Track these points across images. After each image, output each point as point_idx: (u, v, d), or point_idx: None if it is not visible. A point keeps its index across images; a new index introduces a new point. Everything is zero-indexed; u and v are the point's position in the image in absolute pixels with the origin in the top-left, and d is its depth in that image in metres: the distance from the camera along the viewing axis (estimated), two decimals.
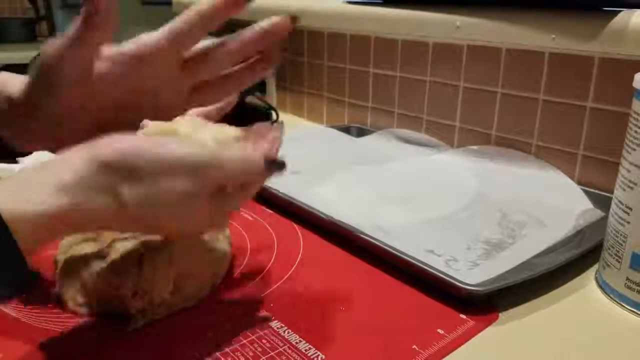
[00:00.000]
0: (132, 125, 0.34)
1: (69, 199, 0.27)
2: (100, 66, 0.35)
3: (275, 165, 0.36)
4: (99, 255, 0.39)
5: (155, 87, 0.38)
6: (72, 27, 0.33)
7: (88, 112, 0.36)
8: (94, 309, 0.39)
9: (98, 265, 0.38)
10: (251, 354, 0.35)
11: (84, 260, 0.39)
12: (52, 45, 0.33)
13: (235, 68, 0.41)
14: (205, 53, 0.39)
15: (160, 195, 0.29)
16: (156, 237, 0.39)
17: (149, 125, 0.34)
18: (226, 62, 0.40)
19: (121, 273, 0.37)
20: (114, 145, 0.29)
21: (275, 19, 0.40)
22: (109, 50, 0.36)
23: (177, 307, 0.39)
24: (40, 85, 0.35)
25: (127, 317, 0.37)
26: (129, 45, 0.36)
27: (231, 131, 0.36)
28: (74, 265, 0.39)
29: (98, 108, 0.37)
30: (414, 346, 0.36)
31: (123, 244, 0.39)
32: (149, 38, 0.36)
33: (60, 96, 0.35)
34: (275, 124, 0.40)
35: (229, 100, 0.44)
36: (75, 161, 0.28)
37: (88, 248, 0.40)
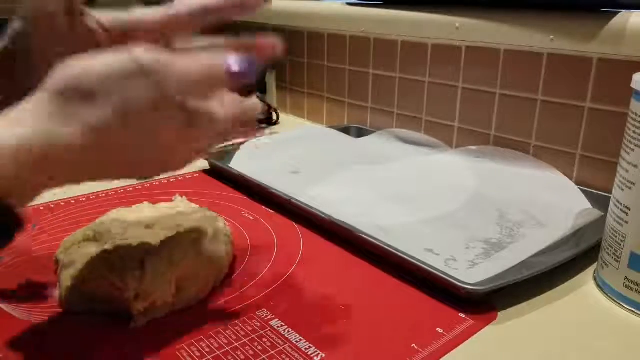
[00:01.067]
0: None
1: (32, 132, 0.27)
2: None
3: (241, 63, 0.33)
4: (101, 255, 0.39)
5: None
6: None
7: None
8: (94, 309, 0.39)
9: (100, 266, 0.38)
10: (251, 352, 0.35)
11: (85, 260, 0.39)
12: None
13: None
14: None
15: (121, 107, 0.28)
16: (160, 234, 0.39)
17: None
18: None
19: (124, 275, 0.37)
20: (62, 72, 0.28)
21: None
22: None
23: (178, 307, 0.39)
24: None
25: (127, 316, 0.37)
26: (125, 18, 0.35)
27: None
28: (76, 265, 0.39)
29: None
30: (413, 345, 0.36)
31: (125, 245, 0.39)
32: (145, 16, 0.35)
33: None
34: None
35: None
36: (30, 100, 0.28)
37: (89, 248, 0.40)
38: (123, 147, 0.30)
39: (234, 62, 0.32)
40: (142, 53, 0.29)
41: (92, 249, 0.40)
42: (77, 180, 0.30)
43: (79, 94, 0.28)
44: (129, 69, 0.28)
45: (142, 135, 0.30)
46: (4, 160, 0.26)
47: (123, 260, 0.38)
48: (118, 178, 0.32)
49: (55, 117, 0.27)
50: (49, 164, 0.28)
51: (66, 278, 0.40)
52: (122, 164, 0.31)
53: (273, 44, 0.37)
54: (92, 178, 0.31)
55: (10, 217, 0.27)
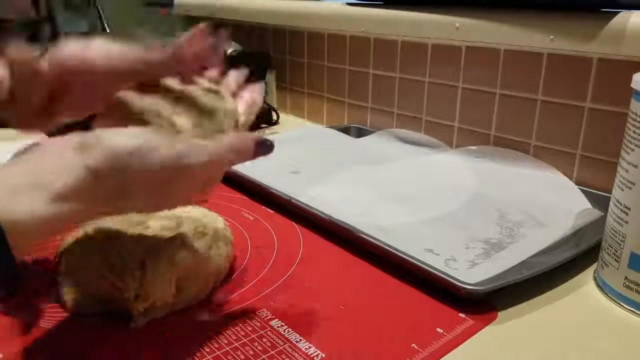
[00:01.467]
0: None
1: (65, 209, 0.27)
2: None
3: (263, 147, 0.36)
4: (101, 256, 0.39)
5: None
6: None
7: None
8: (94, 309, 0.39)
9: (100, 266, 0.38)
10: (251, 352, 0.35)
11: (86, 260, 0.39)
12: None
13: None
14: None
15: (153, 201, 0.31)
16: (160, 234, 0.40)
17: None
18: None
19: (124, 275, 0.37)
20: (105, 149, 0.28)
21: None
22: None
23: (178, 307, 0.39)
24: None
25: (127, 316, 0.37)
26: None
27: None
28: (76, 265, 0.40)
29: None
30: (413, 345, 0.36)
31: (125, 245, 0.39)
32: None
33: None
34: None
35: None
36: (65, 167, 0.28)
37: (90, 248, 0.40)
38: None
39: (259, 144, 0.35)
40: (192, 153, 0.31)
41: (93, 249, 0.40)
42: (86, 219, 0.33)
43: (117, 188, 0.29)
44: (173, 172, 0.30)
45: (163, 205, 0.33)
46: (31, 237, 0.26)
47: (123, 261, 0.38)
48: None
49: (90, 198, 0.28)
50: (71, 229, 0.31)
51: (67, 278, 0.40)
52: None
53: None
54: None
55: (17, 276, 0.27)
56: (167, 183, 0.30)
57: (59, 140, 0.29)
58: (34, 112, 0.36)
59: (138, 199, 0.30)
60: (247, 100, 0.39)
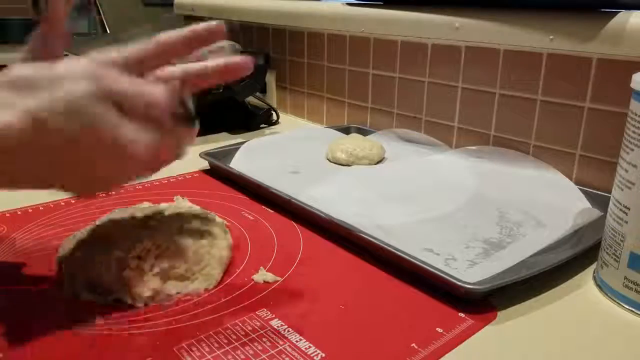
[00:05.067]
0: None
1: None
2: None
3: (179, 114, 0.34)
4: (102, 255, 0.40)
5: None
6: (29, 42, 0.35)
7: None
8: (96, 299, 0.40)
9: (101, 266, 0.39)
10: (251, 352, 0.35)
11: (87, 260, 0.40)
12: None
13: None
14: None
15: (61, 97, 0.30)
16: (159, 232, 0.40)
17: None
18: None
19: (124, 274, 0.39)
20: (16, 67, 0.30)
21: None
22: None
23: (174, 300, 0.40)
24: None
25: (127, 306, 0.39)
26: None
27: None
28: (78, 265, 0.40)
29: None
30: (413, 344, 0.36)
31: (125, 245, 0.40)
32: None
33: None
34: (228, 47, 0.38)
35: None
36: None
37: (91, 248, 0.41)
38: (61, 146, 0.30)
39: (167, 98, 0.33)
40: (93, 57, 0.31)
41: (94, 249, 0.40)
42: (17, 179, 0.31)
43: (25, 84, 0.30)
44: (78, 70, 0.31)
45: (80, 133, 0.30)
46: None
47: (124, 260, 0.39)
48: (60, 186, 0.33)
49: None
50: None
51: (69, 277, 0.40)
52: (62, 166, 0.32)
53: (243, 64, 0.38)
54: (34, 180, 0.32)
55: None
56: (73, 82, 0.30)
57: None
58: None
59: (45, 96, 0.30)
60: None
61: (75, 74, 0.30)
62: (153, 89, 0.32)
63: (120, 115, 0.31)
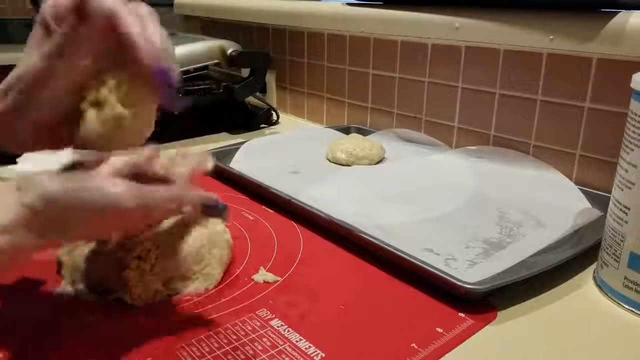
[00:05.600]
0: None
1: (6, 240, 0.29)
2: None
3: (213, 209, 0.36)
4: (103, 255, 0.40)
5: None
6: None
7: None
8: (100, 297, 0.40)
9: (102, 266, 0.40)
10: (251, 352, 0.35)
11: (89, 260, 0.40)
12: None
13: None
14: None
15: (82, 234, 0.33)
16: (159, 233, 0.40)
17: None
18: None
19: (125, 273, 0.38)
20: (37, 189, 0.30)
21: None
22: None
23: (175, 300, 0.40)
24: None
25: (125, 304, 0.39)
26: None
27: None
28: (79, 265, 0.41)
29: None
30: (413, 344, 0.36)
31: (125, 245, 0.40)
32: None
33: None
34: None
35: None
36: (6, 205, 0.30)
37: (92, 248, 0.41)
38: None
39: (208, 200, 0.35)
40: (126, 197, 0.31)
41: (94, 249, 0.41)
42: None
43: (52, 222, 0.30)
44: (109, 214, 0.31)
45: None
46: None
47: (124, 260, 0.39)
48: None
49: (22, 233, 0.29)
50: (9, 261, 0.30)
51: (69, 277, 0.41)
52: None
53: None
54: None
55: None
56: (103, 220, 0.31)
57: (1, 185, 0.31)
58: None
59: (74, 232, 0.32)
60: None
61: (103, 215, 0.31)
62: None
63: None
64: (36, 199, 0.29)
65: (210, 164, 0.39)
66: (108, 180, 0.32)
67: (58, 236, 0.31)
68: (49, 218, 0.30)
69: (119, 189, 0.31)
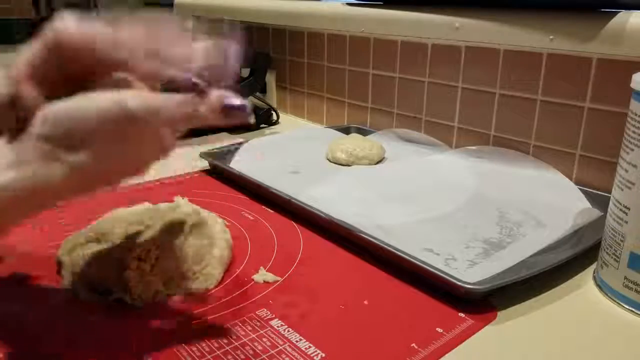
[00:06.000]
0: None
1: (18, 174, 0.28)
2: None
3: (234, 110, 0.31)
4: (104, 256, 0.40)
5: None
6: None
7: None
8: (100, 297, 0.40)
9: (103, 266, 0.40)
10: (251, 352, 0.35)
11: (89, 260, 0.40)
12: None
13: None
14: None
15: (101, 151, 0.29)
16: (159, 233, 0.40)
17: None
18: None
19: (125, 273, 0.39)
20: (41, 115, 0.29)
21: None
22: None
23: (175, 300, 0.40)
24: None
25: (125, 305, 0.39)
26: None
27: None
28: (80, 265, 0.41)
29: None
30: (413, 344, 0.36)
31: (126, 245, 0.40)
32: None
33: None
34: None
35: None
36: (14, 145, 0.29)
37: (92, 249, 0.41)
38: (103, 176, 0.31)
39: (231, 98, 0.31)
40: (129, 98, 0.29)
41: (95, 250, 0.40)
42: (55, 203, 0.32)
43: (63, 140, 0.28)
44: (114, 115, 0.29)
45: (123, 164, 0.31)
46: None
47: (124, 261, 0.39)
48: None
49: (40, 162, 0.28)
50: (28, 204, 0.29)
51: (69, 277, 0.41)
52: (106, 180, 0.32)
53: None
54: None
55: None
56: (114, 130, 0.29)
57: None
58: None
59: (93, 152, 0.29)
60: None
61: (119, 119, 0.29)
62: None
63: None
64: (42, 121, 0.28)
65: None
66: (111, 91, 0.30)
67: (75, 159, 0.29)
68: (60, 138, 0.28)
69: (123, 93, 0.29)
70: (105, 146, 0.29)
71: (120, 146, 0.30)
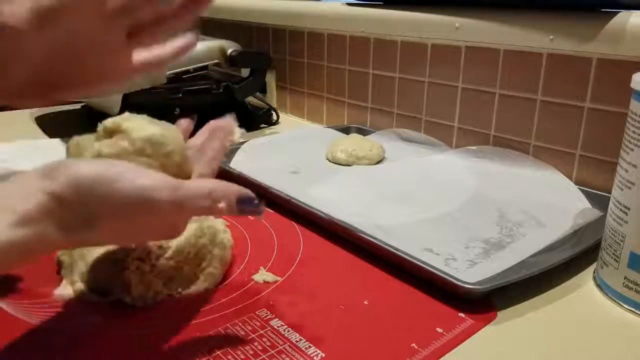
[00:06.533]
0: (81, 78, 0.34)
1: (29, 233, 0.27)
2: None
3: (249, 204, 0.33)
4: (104, 256, 0.40)
5: (86, 39, 0.36)
6: None
7: (20, 71, 0.35)
8: (100, 297, 0.40)
9: (103, 266, 0.40)
10: (251, 352, 0.35)
11: (89, 260, 0.40)
12: None
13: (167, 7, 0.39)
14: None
15: (113, 235, 0.30)
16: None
17: (101, 126, 0.36)
18: (151, 6, 0.38)
19: (125, 273, 0.39)
20: (65, 175, 0.28)
21: None
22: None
23: (175, 300, 0.40)
24: None
25: (128, 305, 0.39)
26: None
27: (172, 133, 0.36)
28: (80, 265, 0.41)
29: (31, 67, 0.35)
30: (413, 344, 0.36)
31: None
32: None
33: None
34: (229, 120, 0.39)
35: (186, 42, 0.42)
36: (30, 191, 0.27)
37: (92, 249, 0.41)
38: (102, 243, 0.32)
39: (243, 194, 0.33)
40: (157, 190, 0.29)
41: (94, 250, 0.41)
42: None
43: (80, 213, 0.28)
44: (139, 208, 0.29)
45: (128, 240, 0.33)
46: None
47: (124, 261, 0.39)
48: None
49: (47, 225, 0.27)
50: (39, 253, 0.29)
51: (69, 277, 0.41)
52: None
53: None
54: None
55: None
56: (132, 215, 0.29)
57: (29, 171, 0.29)
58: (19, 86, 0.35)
59: (103, 230, 0.29)
60: (208, 155, 0.38)
61: (138, 207, 0.29)
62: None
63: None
64: (66, 184, 0.27)
65: (237, 135, 0.38)
66: (141, 171, 0.29)
67: (83, 233, 0.28)
68: (76, 209, 0.27)
69: (152, 180, 0.29)
70: (118, 224, 0.29)
71: (132, 227, 0.30)
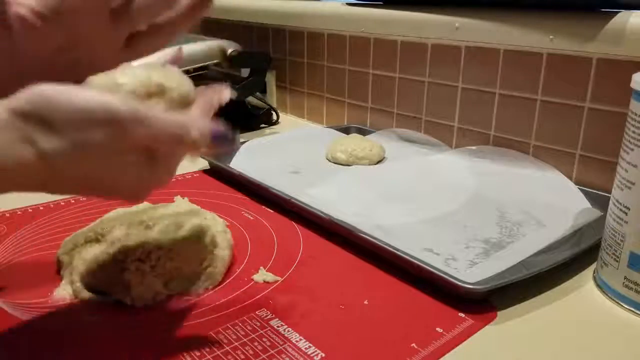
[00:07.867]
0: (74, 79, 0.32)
1: None
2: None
3: (222, 139, 0.31)
4: (104, 256, 0.40)
5: (85, 41, 0.36)
6: None
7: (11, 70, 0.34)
8: (100, 297, 0.40)
9: (103, 266, 0.40)
10: (251, 352, 0.35)
11: (89, 261, 0.40)
12: None
13: (169, 14, 0.39)
14: (133, 0, 0.36)
15: (77, 145, 0.28)
16: (159, 234, 0.40)
17: (93, 79, 0.33)
18: (156, 8, 0.38)
19: (125, 274, 0.39)
20: (27, 92, 0.28)
21: None
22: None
23: (175, 300, 0.40)
24: None
25: (125, 305, 0.39)
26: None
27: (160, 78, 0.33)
28: (80, 265, 0.41)
29: (24, 66, 0.35)
30: (413, 344, 0.36)
31: (126, 245, 0.40)
32: None
33: None
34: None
35: (178, 53, 0.41)
36: None
37: (92, 249, 0.41)
38: (77, 177, 0.30)
39: (217, 128, 0.31)
40: (119, 100, 0.28)
41: (95, 250, 0.41)
42: (25, 190, 0.30)
43: (41, 122, 0.27)
44: (100, 116, 0.28)
45: (96, 170, 0.30)
46: None
47: (124, 261, 0.39)
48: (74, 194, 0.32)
49: (12, 138, 0.27)
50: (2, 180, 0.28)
51: (69, 277, 0.41)
52: (77, 187, 0.31)
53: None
54: (44, 191, 0.31)
55: None
56: (94, 124, 0.28)
57: None
58: None
59: (67, 138, 0.28)
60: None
61: (95, 118, 0.28)
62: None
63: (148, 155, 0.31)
64: (26, 100, 0.27)
65: (227, 94, 0.37)
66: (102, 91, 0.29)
67: (45, 141, 0.28)
68: (36, 117, 0.27)
69: (116, 97, 0.29)
70: (82, 142, 0.28)
71: (100, 148, 0.29)
